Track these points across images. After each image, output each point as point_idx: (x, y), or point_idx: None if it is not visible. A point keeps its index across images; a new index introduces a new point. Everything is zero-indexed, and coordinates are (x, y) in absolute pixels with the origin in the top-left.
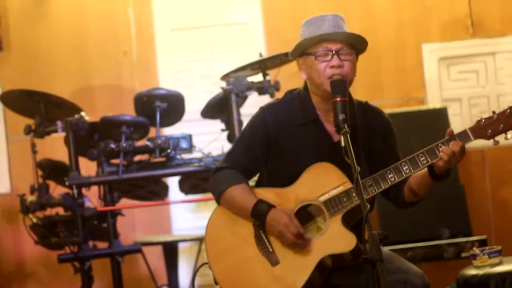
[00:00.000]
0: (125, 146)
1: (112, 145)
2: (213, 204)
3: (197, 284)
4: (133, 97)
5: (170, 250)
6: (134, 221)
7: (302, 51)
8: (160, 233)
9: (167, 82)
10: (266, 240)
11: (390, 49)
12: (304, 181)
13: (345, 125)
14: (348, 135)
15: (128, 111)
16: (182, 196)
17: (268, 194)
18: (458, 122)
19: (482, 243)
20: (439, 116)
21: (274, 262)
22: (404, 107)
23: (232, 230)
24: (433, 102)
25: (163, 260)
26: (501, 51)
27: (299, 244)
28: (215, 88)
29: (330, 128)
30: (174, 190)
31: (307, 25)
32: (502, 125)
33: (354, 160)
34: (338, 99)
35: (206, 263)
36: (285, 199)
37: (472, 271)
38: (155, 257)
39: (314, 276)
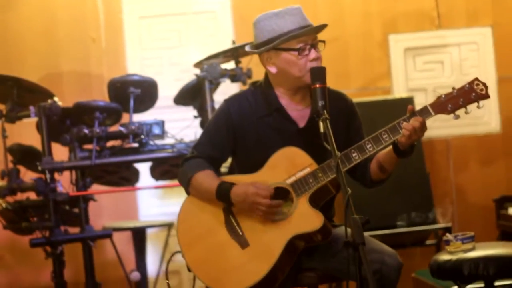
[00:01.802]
0: (98, 131)
1: (86, 131)
2: (179, 191)
3: (163, 270)
4: (107, 83)
5: (139, 236)
6: (101, 207)
7: (275, 46)
8: (126, 219)
9: (135, 69)
10: (235, 224)
11: (357, 39)
12: (271, 165)
13: (325, 111)
14: (327, 121)
15: (96, 97)
16: (150, 182)
17: (235, 179)
18: None
19: (447, 231)
20: (406, 105)
21: (244, 245)
22: (371, 96)
23: (203, 217)
24: (399, 92)
25: (130, 246)
26: (466, 43)
27: (274, 208)
28: (184, 75)
29: (294, 115)
30: (142, 176)
31: (270, 19)
32: (461, 100)
33: (334, 145)
34: (317, 85)
35: (179, 251)
36: None
37: (445, 257)
38: (120, 243)
39: (284, 257)
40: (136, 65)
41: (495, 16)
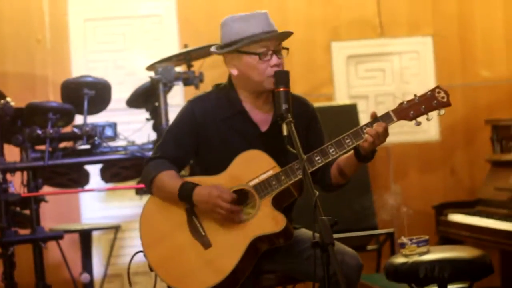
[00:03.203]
0: (52, 132)
1: (39, 131)
2: (123, 194)
3: (108, 273)
4: (60, 84)
5: (86, 238)
6: (43, 209)
7: (237, 49)
8: (69, 222)
9: (80, 71)
10: (198, 225)
11: (301, 46)
12: (234, 167)
13: (288, 114)
14: (292, 124)
15: (40, 98)
16: (98, 184)
17: (198, 180)
18: (364, 119)
19: (389, 236)
20: (349, 112)
21: (206, 245)
22: (314, 102)
23: (166, 217)
24: (341, 99)
25: (73, 249)
26: (407, 51)
27: (235, 213)
28: (128, 78)
29: (257, 118)
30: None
31: (235, 22)
32: (423, 107)
33: (300, 147)
34: (281, 89)
35: (141, 251)
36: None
37: (401, 260)
38: (64, 246)
39: (246, 259)
40: (81, 67)
41: (436, 26)
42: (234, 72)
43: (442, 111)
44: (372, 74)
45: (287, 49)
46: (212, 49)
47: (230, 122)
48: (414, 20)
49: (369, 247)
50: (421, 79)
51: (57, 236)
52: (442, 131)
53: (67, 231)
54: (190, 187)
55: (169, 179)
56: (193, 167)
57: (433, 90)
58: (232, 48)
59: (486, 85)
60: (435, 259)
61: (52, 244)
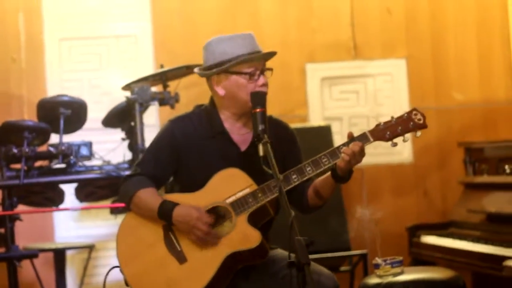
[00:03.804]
0: (27, 151)
1: (15, 150)
2: (96, 213)
3: None
4: (37, 103)
5: (60, 257)
6: (17, 227)
7: (226, 69)
8: (42, 241)
9: (55, 90)
10: (174, 240)
11: (275, 67)
12: (211, 185)
13: (265, 135)
14: (268, 145)
15: (16, 117)
16: (73, 204)
17: (177, 198)
18: (339, 140)
19: (363, 258)
20: (323, 134)
21: (182, 260)
22: (288, 124)
23: (143, 233)
24: (315, 120)
25: (45, 268)
26: (381, 74)
27: (211, 236)
28: (103, 98)
29: (237, 138)
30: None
31: (222, 43)
32: (400, 128)
33: (276, 168)
34: (258, 110)
35: (117, 266)
36: (193, 203)
37: (375, 280)
38: (38, 265)
39: (220, 274)
40: (56, 86)
41: (409, 49)
42: (221, 92)
43: (419, 133)
44: (346, 96)
45: (271, 69)
46: (197, 70)
47: (210, 142)
48: (388, 43)
49: (342, 268)
50: (395, 101)
51: (32, 254)
52: (415, 153)
53: (41, 250)
54: (170, 207)
55: (148, 197)
56: (170, 185)
57: (409, 112)
58: (222, 68)
59: (459, 108)
60: (409, 280)
61: (25, 263)
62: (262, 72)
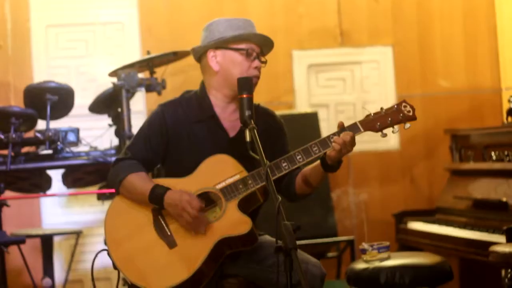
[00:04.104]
0: (14, 137)
1: (1, 136)
2: (84, 200)
3: (69, 279)
4: (23, 89)
5: (47, 243)
6: (3, 213)
7: (223, 44)
8: (29, 226)
9: (42, 77)
10: (164, 225)
11: None
12: (201, 171)
13: (251, 121)
14: (255, 131)
15: (2, 104)
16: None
17: (167, 182)
18: (325, 128)
19: (349, 244)
20: (310, 121)
21: (172, 245)
22: (275, 111)
23: (131, 217)
24: (301, 107)
25: (33, 254)
26: (367, 61)
27: (199, 221)
28: (90, 85)
29: (227, 124)
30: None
31: (222, 23)
32: (390, 119)
33: (263, 153)
34: (244, 95)
35: (105, 249)
36: (183, 188)
37: (362, 265)
38: (25, 251)
39: (210, 260)
40: (43, 73)
41: (396, 36)
42: (216, 67)
43: (408, 125)
44: (333, 83)
45: (266, 61)
46: (193, 47)
47: (200, 126)
48: (374, 30)
49: (329, 254)
50: (381, 89)
51: (19, 240)
52: (402, 140)
53: (28, 235)
54: (162, 191)
55: (139, 181)
56: (157, 170)
57: (399, 104)
58: (220, 40)
59: (445, 95)
60: (396, 265)
61: (13, 250)
62: (257, 57)
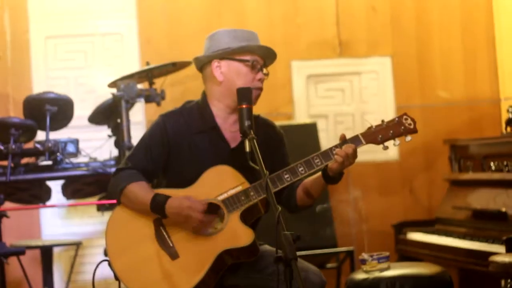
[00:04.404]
0: (14, 148)
1: (1, 147)
2: (83, 211)
3: None
4: (23, 100)
5: (47, 254)
6: (3, 225)
7: (229, 55)
8: (28, 238)
9: (41, 88)
10: (166, 236)
11: None
12: (203, 182)
13: (251, 131)
14: (254, 141)
15: (1, 115)
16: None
17: (168, 192)
18: (324, 138)
19: (349, 255)
20: (309, 131)
21: (174, 256)
22: (274, 121)
23: (133, 227)
24: (300, 118)
25: (32, 266)
26: (366, 71)
27: (206, 223)
28: (89, 96)
29: (228, 135)
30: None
31: (227, 33)
32: (391, 132)
33: (262, 163)
34: (244, 106)
35: (106, 260)
36: None
37: (361, 276)
38: (25, 262)
39: (212, 271)
40: (42, 84)
41: (395, 47)
42: (220, 78)
43: (409, 138)
44: (332, 93)
45: (268, 74)
46: (197, 57)
47: (201, 136)
48: (373, 41)
49: (329, 265)
50: (380, 99)
51: (19, 251)
52: (401, 150)
53: (28, 247)
54: (163, 200)
55: (140, 190)
56: (158, 180)
57: (400, 117)
58: (226, 51)
59: (444, 106)
60: (396, 275)
61: (12, 261)
62: (261, 69)
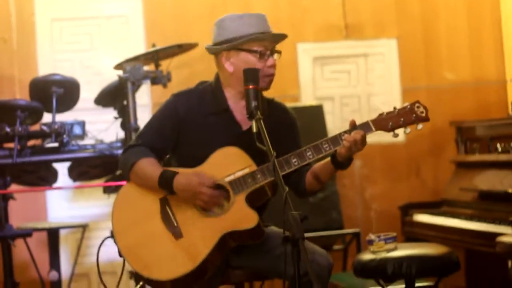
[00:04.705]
0: (20, 130)
1: (7, 129)
2: (89, 193)
3: (76, 272)
4: (29, 82)
5: (54, 237)
6: (9, 207)
7: (238, 45)
8: (35, 220)
9: (46, 70)
10: (171, 215)
11: None
12: (211, 162)
13: (258, 112)
14: (261, 121)
15: (7, 97)
16: (65, 183)
17: (178, 170)
18: (330, 120)
19: (355, 236)
20: (315, 113)
21: (177, 235)
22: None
23: (139, 205)
24: (306, 100)
25: (39, 248)
26: (372, 53)
27: (216, 197)
28: (95, 78)
29: (240, 118)
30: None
31: (234, 20)
32: (402, 119)
33: (269, 144)
34: (250, 86)
35: (110, 237)
36: None
37: (369, 256)
38: (32, 244)
39: (215, 252)
40: (48, 67)
41: (400, 28)
42: (230, 68)
43: (420, 126)
44: (338, 75)
45: (280, 52)
46: (208, 45)
47: (212, 118)
48: (378, 23)
49: (335, 247)
50: (386, 81)
51: (25, 233)
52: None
53: (35, 229)
54: (171, 175)
55: (150, 166)
56: (168, 160)
57: (412, 104)
58: (233, 44)
59: (450, 87)
60: (402, 256)
61: (19, 243)
62: (271, 53)
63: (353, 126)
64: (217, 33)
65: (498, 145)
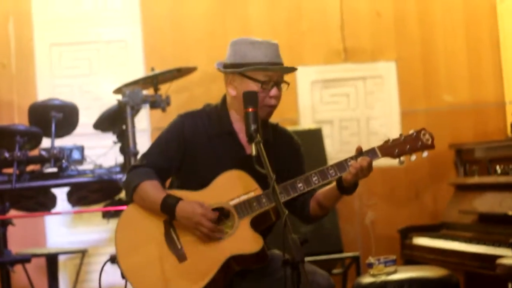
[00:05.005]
0: (19, 155)
1: (6, 154)
2: (89, 218)
3: None
4: (28, 107)
5: (53, 262)
6: (8, 233)
7: (242, 72)
8: (34, 246)
9: (45, 96)
10: (175, 237)
11: None
12: (216, 186)
13: (257, 135)
14: (261, 144)
15: (6, 122)
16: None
17: (180, 194)
18: (329, 144)
19: (355, 260)
20: (314, 137)
21: (181, 258)
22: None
23: (143, 227)
24: (305, 124)
25: (39, 274)
26: (371, 76)
27: (217, 233)
28: (94, 103)
29: (244, 141)
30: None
31: (246, 45)
32: (408, 146)
33: (269, 166)
34: (250, 109)
35: (110, 260)
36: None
37: (368, 279)
38: (30, 270)
39: (219, 276)
40: (47, 92)
41: (399, 51)
42: (233, 93)
43: (425, 153)
44: (337, 99)
45: (288, 83)
46: (216, 65)
47: (218, 140)
48: (377, 46)
49: (335, 271)
50: (385, 104)
51: (24, 259)
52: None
53: (34, 255)
54: (174, 201)
55: (153, 189)
56: (171, 181)
57: (418, 132)
58: (238, 70)
59: (449, 109)
60: (403, 279)
61: (18, 269)
62: (277, 84)
63: (360, 152)
64: (228, 54)
65: (498, 167)
